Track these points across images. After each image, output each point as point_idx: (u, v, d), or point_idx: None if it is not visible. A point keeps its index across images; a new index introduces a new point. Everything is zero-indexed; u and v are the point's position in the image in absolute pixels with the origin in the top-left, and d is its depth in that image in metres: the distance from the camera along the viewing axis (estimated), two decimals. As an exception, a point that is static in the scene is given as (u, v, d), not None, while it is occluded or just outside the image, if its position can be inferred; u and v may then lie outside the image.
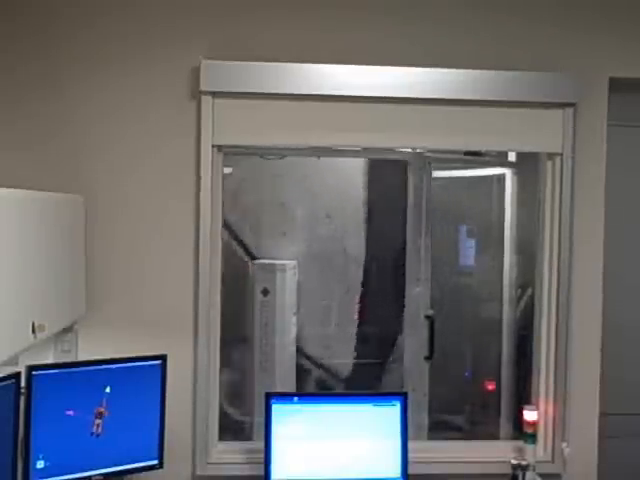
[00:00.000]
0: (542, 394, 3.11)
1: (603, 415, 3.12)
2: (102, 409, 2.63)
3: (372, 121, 2.98)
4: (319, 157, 3.58)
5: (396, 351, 4.10)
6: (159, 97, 2.94)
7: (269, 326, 3.98)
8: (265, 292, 3.94)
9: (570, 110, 3.02)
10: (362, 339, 4.40)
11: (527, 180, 3.44)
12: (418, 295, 3.48)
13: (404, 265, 3.57)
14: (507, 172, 3.64)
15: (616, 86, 3.05)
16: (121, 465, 2.69)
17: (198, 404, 2.96)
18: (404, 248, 3.55)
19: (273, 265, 4.05)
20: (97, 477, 2.64)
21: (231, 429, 3.47)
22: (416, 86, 2.94)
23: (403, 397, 2.93)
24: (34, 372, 2.49)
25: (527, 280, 3.45)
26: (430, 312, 3.46)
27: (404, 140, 3.05)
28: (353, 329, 4.39)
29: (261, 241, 4.30)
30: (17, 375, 2.41)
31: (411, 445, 2.92)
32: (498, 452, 3.09)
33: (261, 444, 2.86)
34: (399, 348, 3.97)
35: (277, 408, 2.85)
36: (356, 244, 4.39)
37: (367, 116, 2.97)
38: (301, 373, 4.20)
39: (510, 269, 3.64)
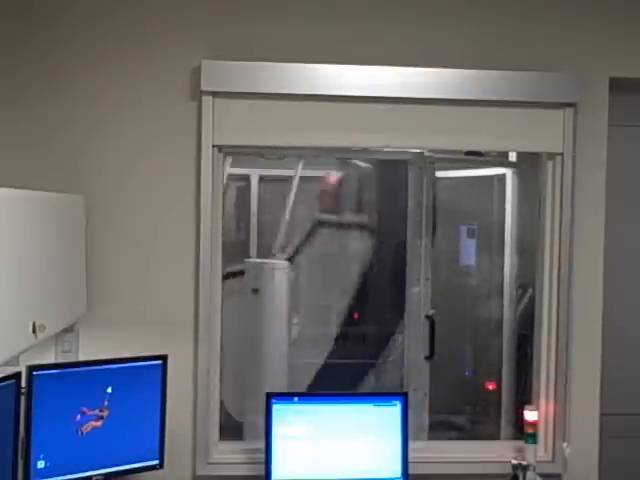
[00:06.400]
0: (543, 394, 3.11)
1: (603, 415, 3.12)
2: (97, 411, 2.63)
3: (372, 121, 2.97)
4: (319, 157, 3.58)
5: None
6: (159, 97, 2.94)
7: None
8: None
9: (570, 110, 3.02)
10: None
11: (528, 180, 3.44)
12: (418, 295, 3.48)
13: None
14: (508, 172, 3.64)
15: (616, 86, 3.05)
16: (122, 465, 2.69)
17: (199, 404, 2.96)
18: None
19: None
20: (98, 477, 2.64)
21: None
22: (416, 86, 2.94)
23: (403, 397, 2.93)
24: (35, 372, 2.49)
25: (528, 280, 3.45)
26: (430, 312, 3.45)
27: (405, 140, 3.04)
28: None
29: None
30: (18, 375, 2.41)
31: (411, 445, 2.92)
32: (498, 452, 3.09)
33: (261, 444, 2.87)
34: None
35: (277, 408, 2.85)
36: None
37: (367, 116, 2.97)
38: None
39: (511, 269, 3.64)
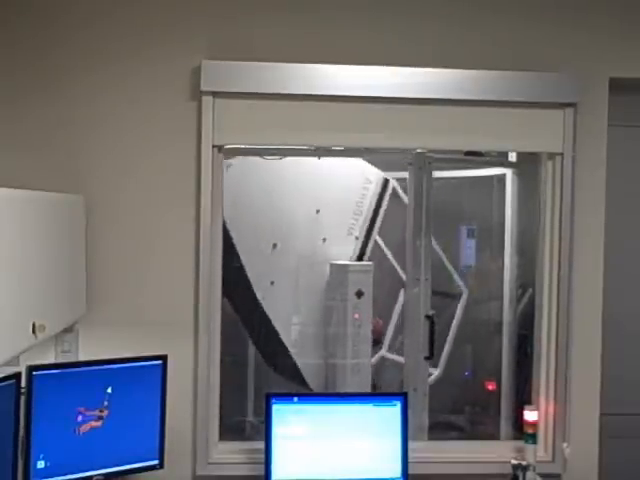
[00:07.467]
0: (542, 394, 3.11)
1: (603, 415, 3.12)
2: (97, 411, 2.64)
3: (372, 121, 2.97)
4: (319, 157, 3.57)
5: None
6: (159, 97, 2.94)
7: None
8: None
9: (570, 110, 3.02)
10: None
11: (527, 180, 3.44)
12: (418, 295, 3.48)
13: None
14: (507, 172, 3.64)
15: (616, 86, 3.05)
16: (122, 465, 2.69)
17: (199, 404, 2.96)
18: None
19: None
20: (98, 477, 2.64)
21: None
22: (416, 86, 2.94)
23: (403, 397, 2.93)
24: (35, 372, 2.49)
25: (527, 280, 3.45)
26: (430, 312, 3.45)
27: (404, 140, 3.04)
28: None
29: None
30: (18, 375, 2.41)
31: (411, 445, 2.92)
32: (498, 452, 3.09)
33: (261, 444, 2.87)
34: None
35: (277, 408, 2.85)
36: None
37: (367, 116, 2.97)
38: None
39: (510, 269, 3.63)
